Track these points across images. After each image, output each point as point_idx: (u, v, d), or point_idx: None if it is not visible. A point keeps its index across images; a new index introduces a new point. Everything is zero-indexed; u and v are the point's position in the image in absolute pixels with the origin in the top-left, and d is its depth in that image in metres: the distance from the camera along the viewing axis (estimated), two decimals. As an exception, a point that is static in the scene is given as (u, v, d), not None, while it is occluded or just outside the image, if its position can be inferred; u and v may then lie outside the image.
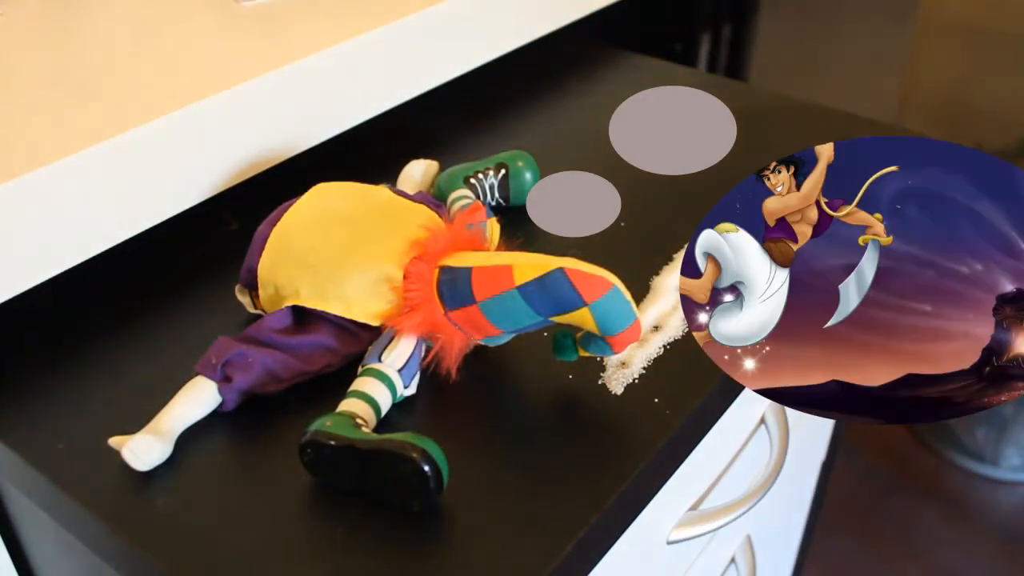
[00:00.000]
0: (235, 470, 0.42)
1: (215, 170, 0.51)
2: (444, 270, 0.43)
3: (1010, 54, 1.60)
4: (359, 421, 0.41)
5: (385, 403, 0.43)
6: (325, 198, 0.49)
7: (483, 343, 0.45)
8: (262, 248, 0.47)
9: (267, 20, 0.57)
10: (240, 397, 0.44)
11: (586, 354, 0.45)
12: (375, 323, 0.45)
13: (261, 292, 0.48)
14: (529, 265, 0.41)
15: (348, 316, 0.45)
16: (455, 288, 0.43)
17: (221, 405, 0.44)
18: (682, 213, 0.58)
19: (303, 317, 0.46)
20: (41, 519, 0.49)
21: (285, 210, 0.49)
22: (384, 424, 0.43)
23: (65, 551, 0.49)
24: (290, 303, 0.46)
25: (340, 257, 0.45)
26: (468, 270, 0.43)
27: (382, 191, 0.50)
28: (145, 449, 0.41)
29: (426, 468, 0.37)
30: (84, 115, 0.47)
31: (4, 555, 0.55)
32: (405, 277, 0.44)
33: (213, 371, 0.43)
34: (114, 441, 0.42)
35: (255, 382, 0.43)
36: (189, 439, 0.43)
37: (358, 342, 0.45)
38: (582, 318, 0.41)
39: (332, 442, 0.39)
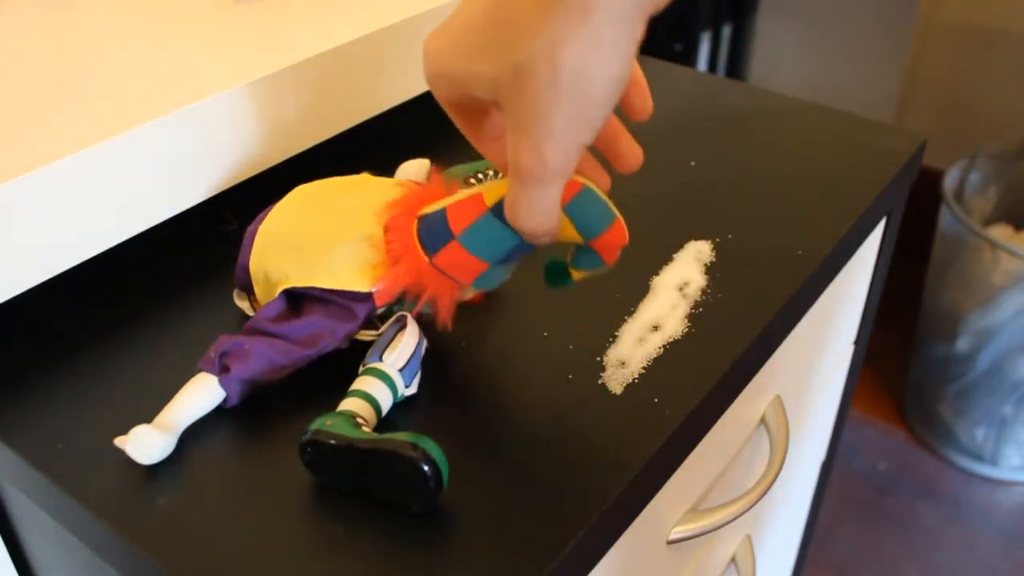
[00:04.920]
0: (235, 470, 0.42)
1: (215, 170, 0.51)
2: (421, 218, 0.43)
3: (1011, 54, 1.60)
4: (360, 420, 0.41)
5: (386, 403, 0.43)
6: (308, 191, 0.49)
7: (474, 288, 0.44)
8: (252, 244, 0.48)
9: (266, 20, 0.58)
10: (242, 388, 0.44)
11: (580, 275, 0.44)
12: (364, 287, 0.44)
13: (255, 287, 0.48)
14: (498, 186, 0.41)
15: (336, 287, 0.44)
16: (433, 230, 0.42)
17: (225, 401, 0.44)
18: (682, 213, 0.58)
19: (297, 304, 0.46)
20: (41, 519, 0.49)
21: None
22: (385, 424, 0.44)
23: (65, 551, 0.49)
24: (281, 288, 0.46)
25: (323, 233, 0.45)
26: (442, 210, 0.42)
27: (361, 175, 0.50)
28: (147, 441, 0.41)
29: (426, 468, 0.37)
30: (84, 115, 0.47)
31: (4, 555, 0.55)
32: (385, 232, 0.44)
33: (212, 365, 0.43)
34: (119, 440, 0.42)
35: (254, 370, 0.43)
36: (190, 439, 0.43)
37: (353, 316, 0.45)
38: (562, 226, 0.41)
39: (332, 441, 0.39)
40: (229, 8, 0.59)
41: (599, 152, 0.42)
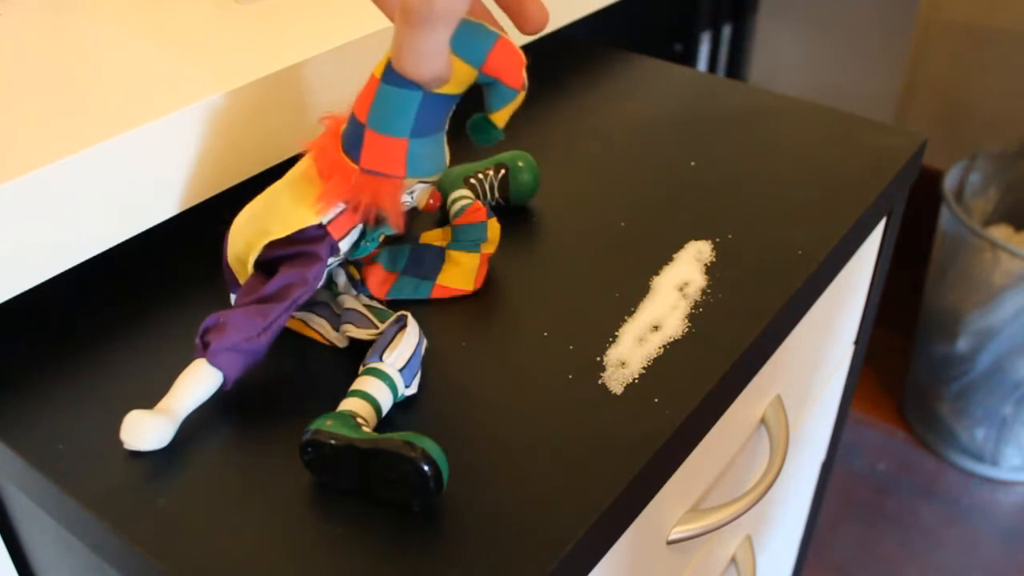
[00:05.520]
0: (235, 470, 0.42)
1: (216, 170, 0.51)
2: (342, 133, 0.43)
3: (1011, 54, 1.60)
4: (360, 420, 0.41)
5: (386, 403, 0.43)
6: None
7: (411, 176, 0.43)
8: (227, 243, 0.48)
9: (266, 20, 0.57)
10: (235, 363, 0.43)
11: (501, 116, 0.43)
12: (315, 220, 0.44)
13: (239, 279, 0.48)
14: (383, 59, 0.41)
15: (289, 230, 0.44)
16: (350, 135, 0.42)
17: (223, 384, 0.44)
18: (682, 213, 0.58)
19: (271, 274, 0.46)
20: (41, 519, 0.49)
21: None
22: (385, 424, 0.44)
23: (65, 551, 0.49)
24: (251, 261, 0.46)
25: (271, 196, 0.46)
26: (351, 114, 0.42)
27: None
28: (140, 424, 0.41)
29: (426, 468, 0.37)
30: (84, 115, 0.47)
31: (4, 555, 0.55)
32: (315, 160, 0.44)
33: (197, 348, 0.43)
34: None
35: (234, 338, 0.43)
36: (189, 439, 0.43)
37: (317, 258, 0.45)
38: (454, 66, 0.40)
39: (332, 441, 0.39)
40: (230, 9, 0.59)
41: (505, 13, 0.42)
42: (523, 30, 0.42)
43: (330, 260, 0.46)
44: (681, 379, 0.46)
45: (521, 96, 0.43)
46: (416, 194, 0.46)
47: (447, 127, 0.44)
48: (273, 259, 0.46)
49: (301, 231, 0.44)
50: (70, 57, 0.53)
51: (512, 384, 0.46)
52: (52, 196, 0.44)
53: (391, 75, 0.40)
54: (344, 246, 0.45)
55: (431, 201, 0.48)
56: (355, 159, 0.42)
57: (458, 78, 0.41)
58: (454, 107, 0.43)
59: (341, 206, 0.44)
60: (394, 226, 0.44)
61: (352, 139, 0.42)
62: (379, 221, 0.45)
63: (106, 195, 0.46)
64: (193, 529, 0.39)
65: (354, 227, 0.45)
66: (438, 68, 0.38)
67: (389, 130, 0.41)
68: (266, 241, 0.45)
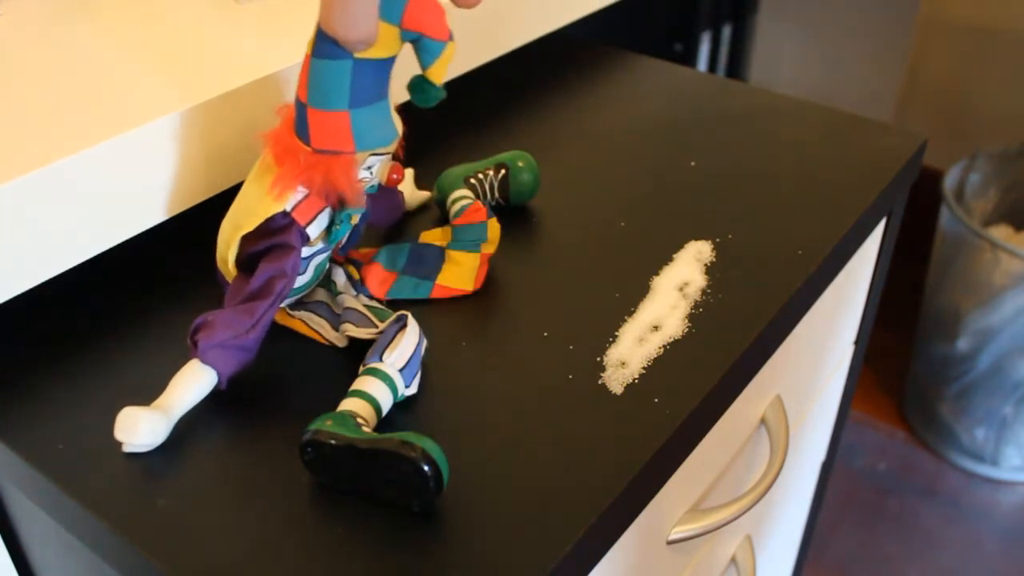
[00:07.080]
0: (235, 470, 0.42)
1: (216, 170, 0.51)
2: (294, 119, 0.43)
3: (1011, 54, 1.60)
4: (360, 420, 0.41)
5: (386, 403, 0.43)
6: None
7: (360, 149, 0.43)
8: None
9: (265, 20, 0.57)
10: (223, 358, 0.43)
11: (436, 72, 0.42)
12: (276, 206, 0.44)
13: (228, 279, 0.48)
14: (312, 35, 0.41)
15: (257, 222, 0.44)
16: (297, 117, 0.43)
17: (219, 384, 0.44)
18: (682, 213, 0.58)
19: (251, 273, 0.46)
20: (41, 519, 0.49)
21: None
22: (385, 424, 0.44)
23: (65, 551, 0.49)
24: (231, 259, 0.46)
25: (241, 192, 0.46)
26: (295, 97, 0.43)
27: None
28: (131, 420, 0.41)
29: (426, 468, 0.37)
30: (84, 114, 0.47)
31: (4, 555, 0.55)
32: (271, 150, 0.44)
33: (191, 348, 0.43)
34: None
35: (222, 336, 0.43)
36: (189, 439, 0.43)
37: (290, 248, 0.45)
38: (380, 29, 0.40)
39: (332, 441, 0.39)
40: (228, 8, 0.59)
41: None
42: (457, 3, 0.42)
43: (310, 250, 0.46)
44: (681, 379, 0.46)
45: (450, 48, 0.42)
46: (375, 168, 0.46)
47: (389, 95, 0.44)
48: (252, 256, 0.46)
49: (268, 221, 0.44)
50: (69, 58, 0.53)
51: (512, 384, 0.46)
52: (52, 196, 0.44)
53: (320, 47, 0.40)
54: (313, 232, 0.45)
55: (394, 176, 0.47)
56: (305, 141, 0.43)
57: (383, 40, 0.41)
58: (390, 72, 0.42)
59: (302, 191, 0.44)
60: (352, 204, 0.44)
61: (300, 121, 0.43)
62: (343, 202, 0.45)
63: (106, 195, 0.46)
64: (193, 529, 0.39)
65: (320, 211, 0.45)
66: (368, 30, 0.38)
67: (328, 104, 0.41)
68: (239, 236, 0.45)
